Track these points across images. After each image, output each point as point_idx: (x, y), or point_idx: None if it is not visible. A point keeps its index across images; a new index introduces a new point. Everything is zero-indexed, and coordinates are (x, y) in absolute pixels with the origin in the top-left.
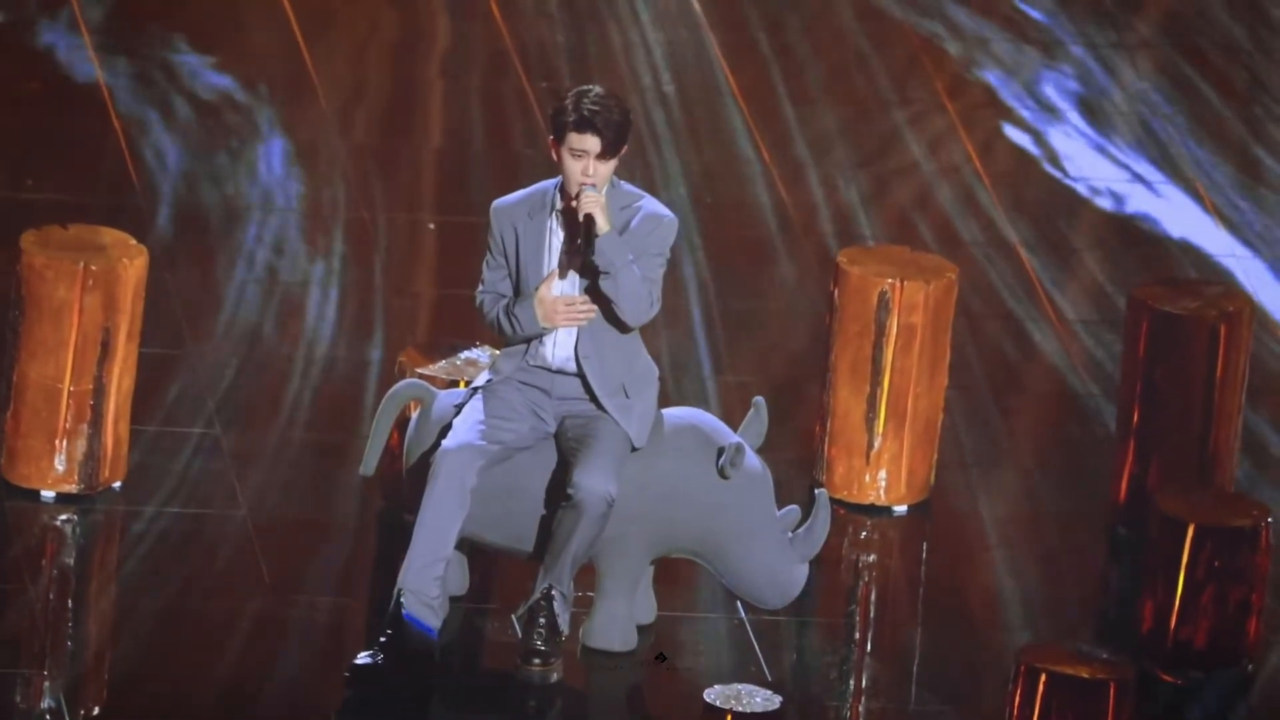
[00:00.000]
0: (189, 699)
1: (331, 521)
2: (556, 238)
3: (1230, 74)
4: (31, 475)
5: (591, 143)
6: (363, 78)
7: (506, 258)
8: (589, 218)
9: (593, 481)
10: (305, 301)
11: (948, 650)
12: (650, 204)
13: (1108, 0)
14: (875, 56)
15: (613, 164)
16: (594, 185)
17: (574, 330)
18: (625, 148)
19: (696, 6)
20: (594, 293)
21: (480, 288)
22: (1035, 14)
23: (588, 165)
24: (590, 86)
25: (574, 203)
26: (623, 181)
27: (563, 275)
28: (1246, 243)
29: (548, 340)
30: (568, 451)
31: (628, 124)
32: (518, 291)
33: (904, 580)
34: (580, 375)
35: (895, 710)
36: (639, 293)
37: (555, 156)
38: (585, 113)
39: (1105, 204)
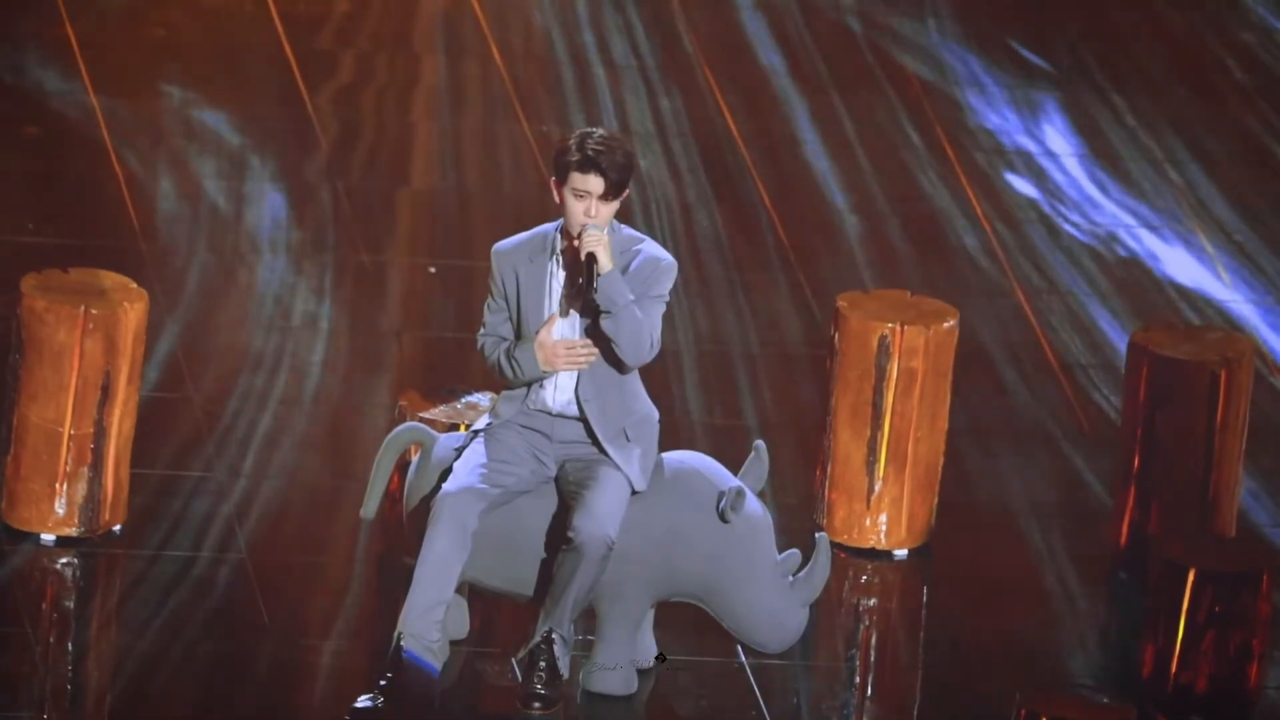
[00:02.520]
0: None
1: (331, 565)
2: (557, 281)
3: (1234, 114)
4: (32, 519)
5: (595, 183)
6: (362, 120)
7: (507, 300)
8: (591, 256)
9: (593, 525)
10: (305, 345)
11: (948, 695)
12: (650, 247)
13: (1106, 44)
14: (876, 94)
15: (614, 206)
16: (597, 225)
17: (575, 374)
18: (628, 190)
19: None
20: (594, 333)
21: (482, 331)
22: (1032, 56)
23: (590, 206)
24: (594, 128)
25: (576, 242)
26: (623, 225)
27: (564, 314)
28: (1249, 286)
29: (548, 384)
30: (568, 495)
31: (631, 166)
32: (519, 335)
33: (904, 624)
34: (582, 418)
35: None
36: (640, 332)
37: (558, 198)
38: (589, 153)
39: (1106, 247)
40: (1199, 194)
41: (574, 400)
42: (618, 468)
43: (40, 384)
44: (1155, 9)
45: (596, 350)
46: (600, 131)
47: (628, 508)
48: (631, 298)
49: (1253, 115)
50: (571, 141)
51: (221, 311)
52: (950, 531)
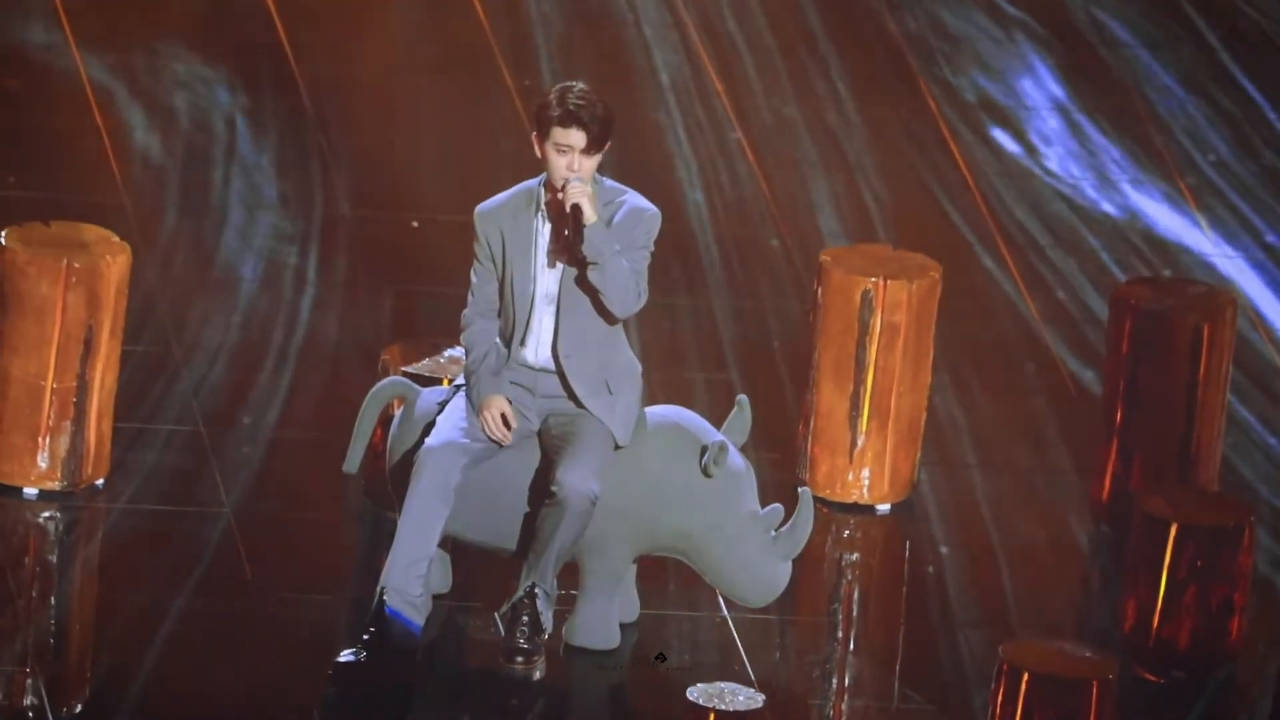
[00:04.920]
0: (172, 696)
1: (314, 519)
2: (543, 236)
3: (1219, 71)
4: (14, 472)
5: (577, 137)
6: (346, 74)
7: (494, 261)
8: (576, 208)
9: (576, 479)
10: (289, 299)
11: (930, 649)
12: (634, 198)
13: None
14: (858, 53)
15: (597, 159)
16: (580, 178)
17: (552, 328)
18: (609, 144)
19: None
20: (581, 284)
21: (469, 302)
22: (1017, 12)
23: (573, 160)
24: (574, 83)
25: (560, 194)
26: (605, 178)
27: (551, 266)
28: (1233, 241)
29: (530, 341)
30: (551, 449)
31: (611, 119)
32: (504, 294)
33: (887, 579)
34: (560, 374)
35: (878, 709)
36: (626, 283)
37: (540, 153)
38: (570, 107)
39: (1089, 201)
40: (1183, 148)
41: (552, 357)
42: (600, 422)
43: (22, 337)
44: None
45: (510, 437)
46: (580, 86)
47: (610, 462)
48: (617, 248)
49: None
50: (552, 96)
51: (204, 265)
52: (933, 486)
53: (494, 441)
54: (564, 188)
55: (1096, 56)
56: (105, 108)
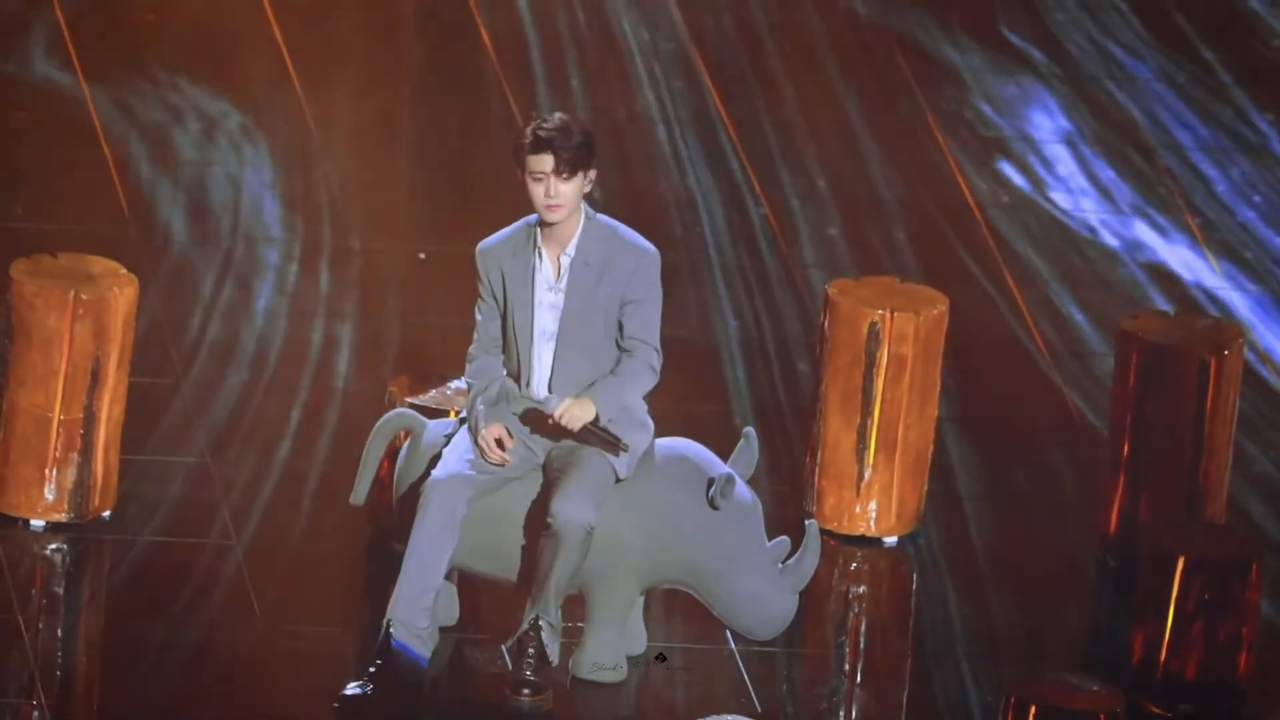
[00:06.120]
0: None
1: (321, 551)
2: (540, 275)
3: (1227, 103)
4: (21, 504)
5: (546, 162)
6: (350, 104)
7: (495, 298)
8: (587, 428)
9: (570, 509)
10: (295, 331)
11: (937, 682)
12: (627, 238)
13: (1096, 32)
14: (869, 84)
15: (576, 184)
16: (555, 400)
17: (550, 368)
18: (592, 171)
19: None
20: (579, 322)
21: (475, 339)
22: (1024, 44)
23: (549, 187)
24: (552, 114)
25: (552, 421)
26: (599, 214)
27: (549, 305)
28: (1241, 274)
29: (535, 375)
30: (552, 480)
31: (589, 144)
32: (506, 330)
33: (894, 612)
34: None
35: None
36: (641, 388)
37: (524, 186)
38: (540, 134)
39: (1096, 235)
40: (1190, 180)
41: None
42: (601, 454)
43: (30, 369)
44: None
45: (509, 460)
46: (559, 115)
47: (618, 494)
48: (623, 401)
49: (1244, 102)
50: (526, 127)
51: (210, 297)
52: (940, 519)
53: (495, 467)
54: (556, 420)
55: (1104, 88)
56: (112, 139)
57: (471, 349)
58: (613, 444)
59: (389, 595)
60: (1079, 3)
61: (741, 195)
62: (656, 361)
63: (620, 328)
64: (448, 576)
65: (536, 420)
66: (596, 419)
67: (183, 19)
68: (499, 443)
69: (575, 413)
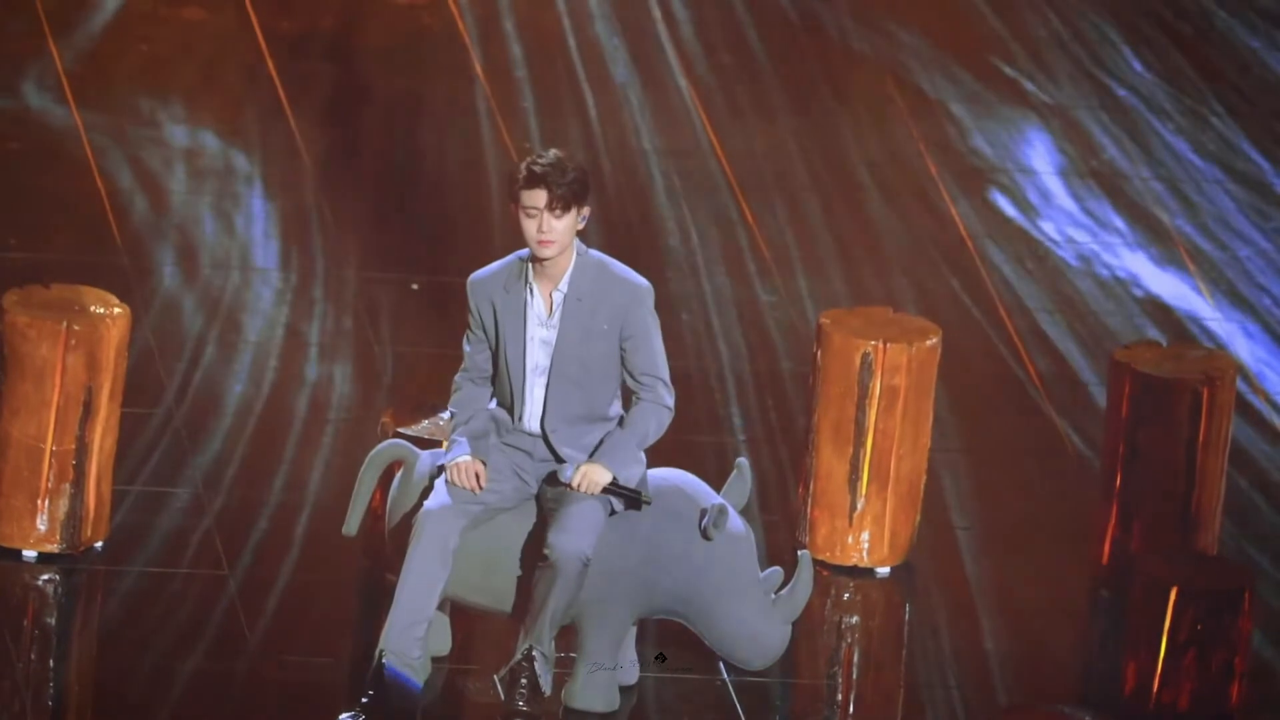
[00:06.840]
0: None
1: (314, 581)
2: (532, 309)
3: (1220, 136)
4: (13, 535)
5: (539, 197)
6: (344, 136)
7: (486, 331)
8: (607, 490)
9: (567, 541)
10: (288, 361)
11: (930, 713)
12: (619, 273)
13: (1088, 62)
14: (862, 114)
15: (569, 221)
16: (572, 467)
17: (542, 399)
18: (586, 208)
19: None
20: (569, 358)
21: (462, 369)
22: (1016, 75)
23: (542, 222)
24: (547, 151)
25: (571, 489)
26: (591, 249)
27: (540, 340)
28: (1233, 305)
29: (528, 409)
30: (547, 512)
31: (582, 181)
32: (497, 363)
33: (886, 642)
34: (549, 444)
35: None
36: (658, 428)
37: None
38: (534, 170)
39: (1088, 265)
40: (1182, 211)
41: (541, 430)
42: None
43: (22, 400)
44: (1145, 32)
45: (479, 488)
46: (553, 152)
47: (610, 525)
48: (641, 454)
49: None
50: (521, 163)
51: (202, 327)
52: (932, 549)
53: (488, 497)
54: (575, 487)
55: (1097, 118)
56: (105, 170)
57: (457, 378)
58: (634, 500)
59: (382, 625)
60: (1072, 34)
61: (733, 225)
62: (669, 397)
63: (625, 365)
64: (440, 607)
65: (528, 451)
66: (615, 479)
67: (175, 50)
68: (476, 475)
69: (593, 478)
